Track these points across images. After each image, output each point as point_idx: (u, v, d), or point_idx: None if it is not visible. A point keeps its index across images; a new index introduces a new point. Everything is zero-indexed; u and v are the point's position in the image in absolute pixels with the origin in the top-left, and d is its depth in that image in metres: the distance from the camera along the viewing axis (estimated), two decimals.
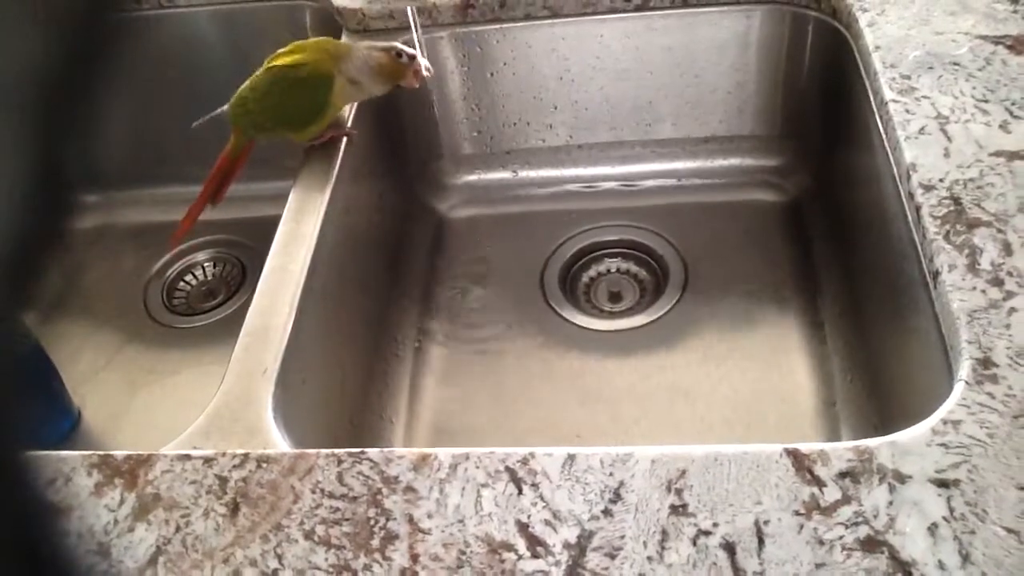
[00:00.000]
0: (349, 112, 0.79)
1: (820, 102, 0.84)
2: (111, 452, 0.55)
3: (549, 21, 0.85)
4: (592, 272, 0.91)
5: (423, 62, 0.73)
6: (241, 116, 0.75)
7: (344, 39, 0.86)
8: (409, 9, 0.79)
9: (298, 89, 0.73)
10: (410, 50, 0.74)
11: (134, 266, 1.04)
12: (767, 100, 0.88)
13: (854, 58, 0.75)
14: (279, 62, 0.74)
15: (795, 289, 0.84)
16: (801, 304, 0.83)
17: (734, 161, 0.93)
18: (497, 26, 0.86)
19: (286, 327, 0.63)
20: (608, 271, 0.91)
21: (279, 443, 0.56)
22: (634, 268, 0.90)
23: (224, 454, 0.53)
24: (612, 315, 0.87)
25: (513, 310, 0.87)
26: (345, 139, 0.77)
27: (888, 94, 0.67)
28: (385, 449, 0.52)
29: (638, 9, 0.83)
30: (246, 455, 0.53)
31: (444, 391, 0.81)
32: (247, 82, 0.75)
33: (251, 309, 0.65)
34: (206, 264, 1.04)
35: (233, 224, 1.05)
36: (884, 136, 0.67)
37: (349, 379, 0.75)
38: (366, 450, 0.52)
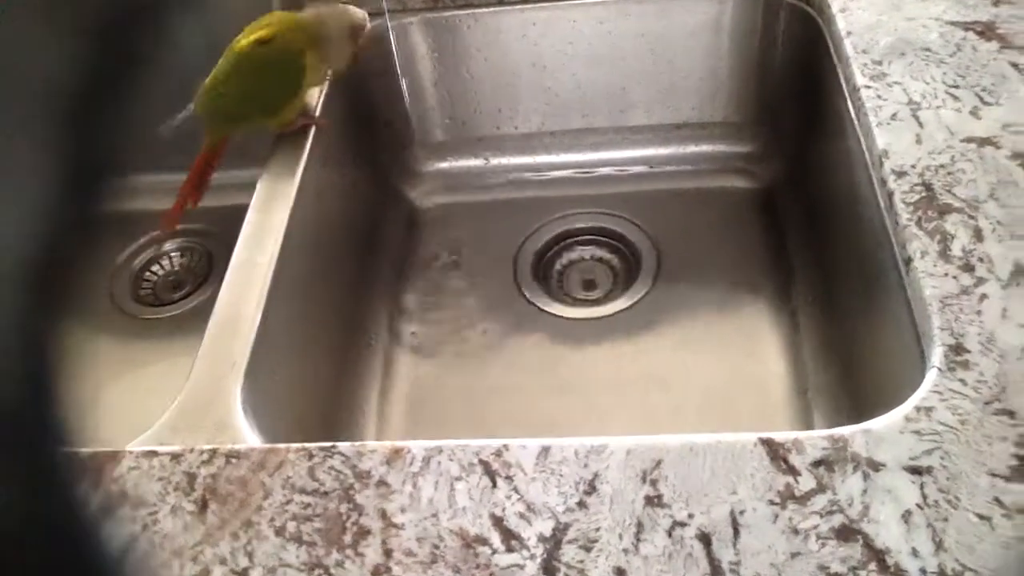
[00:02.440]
0: (318, 100, 0.78)
1: (793, 88, 0.84)
2: (75, 449, 0.53)
3: (521, 6, 0.84)
4: (564, 260, 0.90)
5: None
6: (210, 108, 0.73)
7: None
8: None
9: (268, 69, 0.72)
10: (360, 14, 0.74)
11: (100, 255, 1.02)
12: (740, 86, 0.88)
13: (826, 44, 0.75)
14: (238, 45, 0.72)
15: (768, 276, 0.84)
16: (774, 291, 0.83)
17: (707, 148, 0.92)
18: (468, 11, 0.85)
19: (254, 319, 0.62)
20: (581, 259, 0.90)
21: (248, 438, 0.55)
22: (607, 256, 0.90)
23: (192, 450, 0.52)
24: (585, 303, 0.86)
25: (486, 298, 0.86)
26: (314, 128, 0.76)
27: (860, 80, 0.67)
28: (357, 443, 0.51)
29: None
30: (214, 451, 0.52)
31: (416, 381, 0.81)
32: (211, 74, 0.73)
33: (219, 301, 0.64)
34: (173, 254, 1.02)
35: (201, 213, 1.03)
36: (856, 122, 0.67)
37: (320, 370, 0.74)
38: (337, 444, 0.51)
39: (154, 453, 0.52)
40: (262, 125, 0.75)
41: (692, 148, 0.93)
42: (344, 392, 0.77)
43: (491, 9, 0.85)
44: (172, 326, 0.96)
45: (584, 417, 0.77)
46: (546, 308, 0.85)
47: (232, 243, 1.02)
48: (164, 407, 0.87)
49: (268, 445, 0.52)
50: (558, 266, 0.90)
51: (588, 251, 0.90)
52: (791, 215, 0.87)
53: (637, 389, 0.78)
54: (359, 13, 0.73)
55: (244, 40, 0.72)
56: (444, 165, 0.95)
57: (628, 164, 0.94)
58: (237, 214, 1.09)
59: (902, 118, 0.64)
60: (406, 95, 0.81)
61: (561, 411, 0.78)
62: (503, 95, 0.91)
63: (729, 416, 0.75)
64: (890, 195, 0.59)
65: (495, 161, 0.95)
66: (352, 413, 0.76)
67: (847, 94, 0.69)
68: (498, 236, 0.91)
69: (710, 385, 0.78)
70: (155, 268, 1.01)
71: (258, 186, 0.72)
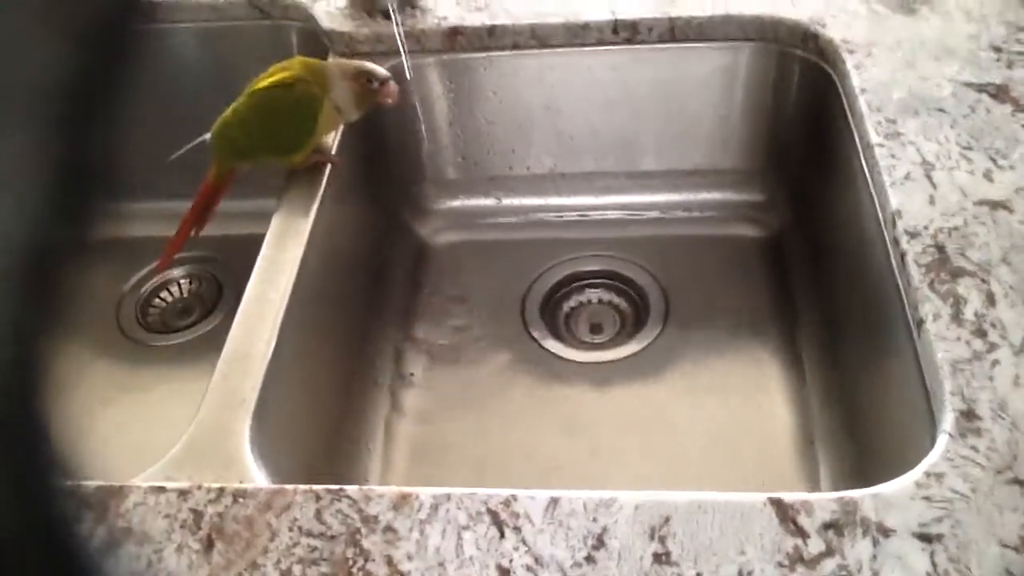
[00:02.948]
0: (334, 136, 0.79)
1: (804, 140, 0.85)
2: (80, 482, 0.53)
3: (537, 51, 0.85)
4: (572, 302, 0.90)
5: (392, 87, 0.73)
6: (223, 143, 0.74)
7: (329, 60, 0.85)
8: (397, 33, 0.79)
9: (284, 112, 0.73)
10: (381, 73, 0.73)
11: (108, 280, 1.02)
12: (751, 136, 0.88)
13: (840, 99, 0.75)
14: (260, 85, 0.73)
15: (774, 325, 0.84)
16: (780, 340, 0.83)
17: (716, 195, 0.93)
18: (484, 54, 0.86)
19: (265, 356, 0.62)
20: (589, 301, 0.91)
21: (256, 477, 0.55)
22: (615, 299, 0.90)
23: (200, 487, 0.52)
24: (593, 346, 0.86)
25: (493, 338, 0.86)
26: (330, 165, 0.77)
27: (874, 137, 0.68)
28: (364, 487, 0.51)
29: (627, 42, 0.84)
30: (222, 489, 0.52)
31: (422, 420, 0.81)
32: (229, 108, 0.74)
33: (230, 336, 0.64)
34: (182, 281, 1.03)
35: (210, 241, 1.04)
36: (869, 179, 0.68)
37: (326, 407, 0.74)
38: (345, 487, 0.51)
39: (161, 489, 0.52)
40: (273, 163, 0.76)
41: (702, 195, 0.93)
42: (349, 429, 0.77)
43: (508, 53, 0.85)
44: (179, 353, 0.96)
45: (588, 461, 0.77)
46: (553, 350, 0.85)
47: (240, 272, 1.02)
48: (170, 436, 0.87)
49: (276, 486, 0.52)
50: (566, 308, 0.90)
51: (596, 294, 0.91)
52: (797, 265, 0.88)
53: (642, 434, 0.78)
54: (380, 71, 0.73)
55: (265, 81, 0.72)
56: (455, 203, 0.96)
57: (638, 209, 0.94)
58: (245, 243, 1.10)
59: (915, 178, 0.64)
60: (424, 136, 0.81)
61: (565, 454, 0.77)
62: (516, 137, 0.92)
63: (734, 464, 0.75)
64: (903, 255, 0.60)
65: (506, 201, 0.96)
66: (357, 450, 0.76)
67: (860, 150, 0.70)
68: (507, 276, 0.91)
69: (716, 432, 0.78)
70: (163, 295, 1.02)
71: (273, 221, 0.73)
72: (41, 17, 0.25)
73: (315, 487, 0.51)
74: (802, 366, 0.80)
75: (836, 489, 0.71)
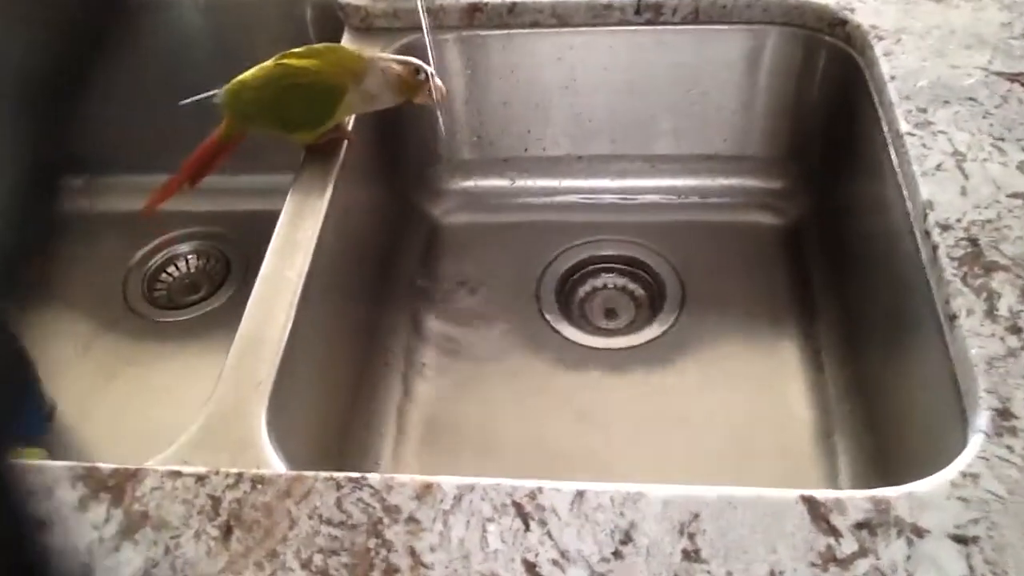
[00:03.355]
0: (349, 118, 0.77)
1: (828, 127, 0.83)
2: (96, 464, 0.52)
3: (557, 30, 0.83)
4: (587, 287, 0.89)
5: (438, 82, 0.71)
6: (235, 103, 0.72)
7: (346, 40, 0.83)
8: (420, 8, 0.77)
9: (299, 94, 0.71)
10: (428, 68, 0.71)
11: (114, 255, 1.01)
12: (773, 122, 0.87)
13: (867, 86, 0.74)
14: (290, 60, 0.71)
15: (793, 314, 0.83)
16: (798, 330, 0.82)
17: (735, 181, 0.91)
18: (504, 32, 0.84)
19: (282, 337, 0.61)
20: (604, 286, 0.89)
21: (273, 461, 0.54)
22: (630, 285, 0.89)
23: (217, 472, 0.51)
24: (608, 332, 0.85)
25: (507, 322, 0.85)
26: (346, 142, 0.75)
27: (904, 126, 0.66)
28: (387, 475, 0.50)
29: (649, 23, 0.82)
30: (240, 475, 0.51)
31: (433, 404, 0.79)
32: (251, 70, 0.72)
33: (246, 315, 0.63)
34: (189, 256, 1.01)
35: (218, 216, 1.03)
36: (898, 169, 0.66)
37: (340, 390, 0.73)
38: (367, 475, 0.50)
39: (178, 474, 0.51)
40: (280, 134, 0.74)
41: (720, 181, 0.92)
42: (362, 414, 0.75)
43: (527, 31, 0.84)
44: (186, 329, 0.95)
45: (603, 451, 0.76)
46: (568, 335, 0.84)
47: (248, 249, 1.02)
48: (179, 415, 0.85)
49: (295, 472, 0.51)
50: (580, 293, 0.89)
51: (611, 279, 0.90)
52: (816, 254, 0.87)
53: (657, 425, 0.77)
54: (427, 67, 0.71)
55: (295, 61, 0.70)
56: (469, 184, 0.94)
57: (655, 193, 0.93)
58: (253, 219, 1.08)
59: (947, 168, 0.63)
60: (440, 115, 0.80)
61: (578, 443, 0.76)
62: (533, 117, 0.90)
63: (751, 457, 0.74)
64: (934, 248, 0.59)
65: (520, 183, 0.94)
66: (369, 435, 0.75)
67: (889, 140, 0.69)
68: (520, 259, 0.90)
69: (733, 423, 0.77)
70: (170, 269, 1.00)
71: (289, 198, 0.71)
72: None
73: (335, 474, 0.50)
74: (820, 357, 0.79)
75: (856, 484, 0.70)
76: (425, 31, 0.76)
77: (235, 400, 0.58)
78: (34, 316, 0.96)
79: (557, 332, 0.84)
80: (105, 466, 0.52)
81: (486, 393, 0.80)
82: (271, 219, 0.90)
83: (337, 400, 0.72)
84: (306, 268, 0.65)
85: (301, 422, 0.63)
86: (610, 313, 0.87)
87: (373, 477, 0.50)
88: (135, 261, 1.01)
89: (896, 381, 0.67)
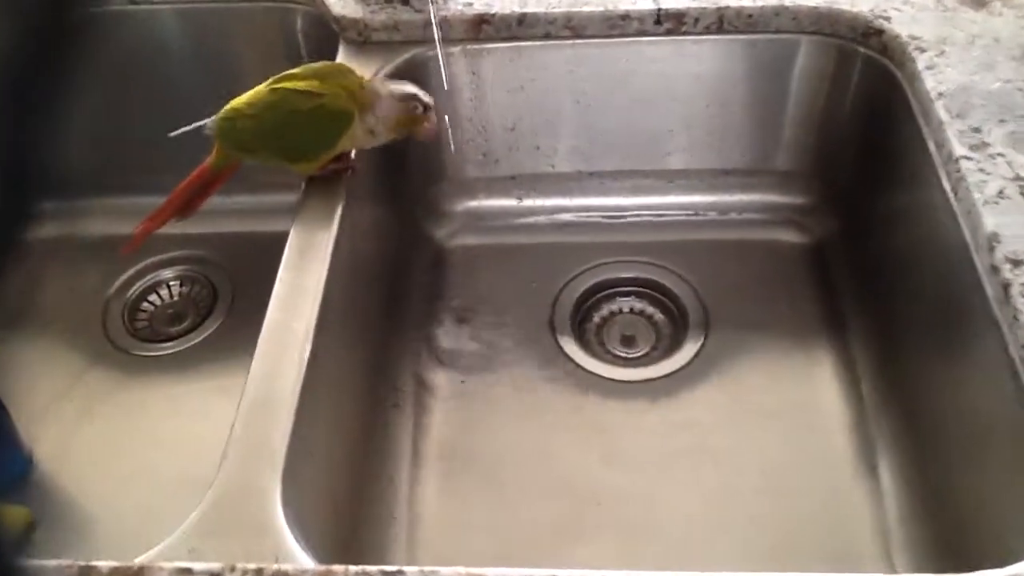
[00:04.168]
0: None
1: (859, 144, 0.78)
2: (93, 563, 0.46)
3: (570, 41, 0.78)
4: (603, 312, 0.84)
5: (434, 118, 0.66)
6: (229, 133, 0.66)
7: (342, 55, 0.77)
8: (433, 19, 0.71)
9: (303, 121, 0.64)
10: (426, 99, 0.66)
11: (94, 283, 0.94)
12: (800, 136, 0.82)
13: (907, 102, 0.69)
14: (289, 85, 0.65)
15: (825, 340, 0.78)
16: (833, 358, 0.77)
17: (756, 197, 0.87)
18: (512, 44, 0.78)
19: (293, 399, 0.55)
20: (620, 311, 0.84)
21: (294, 549, 0.48)
22: (648, 309, 0.84)
23: (233, 569, 0.45)
24: (628, 361, 0.80)
25: (520, 354, 0.80)
26: (349, 172, 0.69)
27: (958, 149, 0.62)
28: (427, 568, 0.44)
29: (669, 33, 0.76)
30: (260, 572, 0.45)
31: (447, 446, 0.74)
32: (243, 96, 0.66)
33: (251, 375, 0.57)
34: (172, 283, 0.95)
35: (201, 239, 0.96)
36: (952, 195, 0.62)
37: (352, 444, 0.67)
38: (404, 569, 0.45)
39: (188, 572, 0.45)
40: (280, 166, 0.68)
41: (740, 196, 0.87)
42: (375, 464, 0.70)
43: (538, 43, 0.78)
44: (172, 364, 0.88)
45: (632, 493, 0.71)
46: (588, 367, 0.79)
47: (235, 273, 0.95)
48: (167, 461, 0.80)
49: (324, 567, 0.45)
50: (596, 319, 0.83)
51: (628, 303, 0.84)
52: (846, 275, 0.82)
53: (687, 463, 0.72)
54: (425, 96, 0.66)
55: (293, 82, 0.64)
56: (473, 204, 0.89)
57: (672, 210, 0.88)
58: (239, 241, 1.02)
59: (1010, 196, 0.58)
60: (448, 130, 0.74)
61: (607, 485, 0.71)
62: (542, 132, 0.85)
63: (790, 502, 0.69)
64: (1005, 287, 0.54)
65: (528, 202, 0.89)
66: (380, 482, 0.70)
67: (939, 162, 0.64)
68: (530, 285, 0.85)
69: (767, 461, 0.72)
70: (152, 298, 0.94)
71: (290, 241, 0.65)
72: None
73: (368, 568, 0.45)
74: (859, 387, 0.75)
75: (905, 525, 0.66)
76: (438, 47, 0.70)
77: (245, 475, 0.52)
78: (6, 354, 0.89)
79: (575, 363, 0.79)
80: (104, 564, 0.46)
81: (503, 437, 0.75)
82: (258, 241, 0.84)
83: (349, 457, 0.66)
84: (314, 319, 0.59)
85: (315, 490, 0.57)
86: (628, 340, 0.82)
87: (411, 570, 0.44)
88: (114, 289, 0.94)
89: (958, 421, 0.63)
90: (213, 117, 0.66)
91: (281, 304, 0.60)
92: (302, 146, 0.65)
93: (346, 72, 0.65)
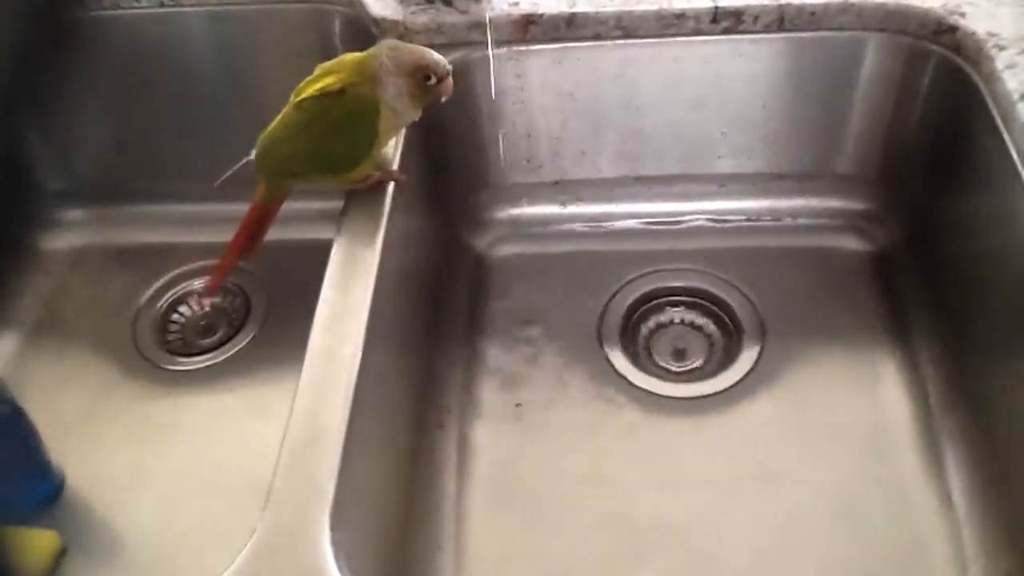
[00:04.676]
0: (395, 148, 0.68)
1: (930, 148, 0.74)
2: None
3: (621, 42, 0.74)
4: (651, 323, 0.80)
5: (450, 83, 0.62)
6: (270, 161, 0.63)
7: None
8: (487, 20, 0.67)
9: (338, 125, 0.61)
10: (441, 67, 0.61)
11: (122, 294, 0.91)
12: (863, 139, 0.78)
13: (985, 105, 0.65)
14: (309, 91, 0.61)
15: (890, 352, 0.75)
16: (899, 371, 0.73)
17: (814, 202, 0.83)
18: (559, 45, 0.74)
19: (340, 430, 0.52)
20: (671, 322, 0.80)
21: None
22: (700, 320, 0.80)
23: None
24: (680, 376, 0.76)
25: (568, 370, 0.76)
26: (393, 184, 0.66)
27: None
28: None
29: (726, 32, 0.72)
30: None
31: (493, 468, 0.71)
32: (274, 121, 0.63)
33: (296, 404, 0.54)
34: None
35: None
36: None
37: (397, 466, 0.64)
38: None
39: None
40: (330, 183, 0.65)
41: (797, 201, 0.83)
42: (420, 489, 0.67)
43: (587, 44, 0.74)
44: (205, 379, 0.85)
45: (691, 520, 0.67)
46: (640, 384, 0.75)
47: (269, 282, 0.92)
48: (200, 476, 0.76)
49: None
50: (644, 331, 0.80)
51: (679, 314, 0.81)
52: (911, 284, 0.78)
53: (748, 487, 0.69)
54: (440, 65, 0.61)
55: (311, 87, 0.61)
56: (516, 211, 0.85)
57: (724, 216, 0.84)
58: (272, 249, 0.98)
59: None
60: (501, 137, 0.70)
61: (663, 511, 0.68)
62: (589, 137, 0.81)
63: (861, 530, 0.65)
64: None
65: (573, 208, 0.85)
66: (428, 514, 0.66)
67: (1022, 169, 0.60)
68: (576, 295, 0.81)
69: (835, 484, 0.68)
70: (183, 309, 0.91)
71: (332, 258, 0.61)
72: None
73: None
74: (928, 404, 0.71)
75: (984, 562, 0.62)
76: (490, 50, 0.67)
77: (292, 513, 0.49)
78: (34, 369, 0.86)
79: (626, 380, 0.76)
80: None
81: (551, 459, 0.71)
82: (293, 248, 0.80)
83: (395, 485, 0.63)
84: (361, 342, 0.56)
85: (364, 526, 0.54)
86: (679, 353, 0.79)
87: None
88: (144, 300, 0.91)
89: None
90: (252, 151, 0.63)
91: (325, 326, 0.57)
92: (344, 152, 0.62)
93: (356, 59, 0.61)
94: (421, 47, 0.62)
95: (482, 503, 0.68)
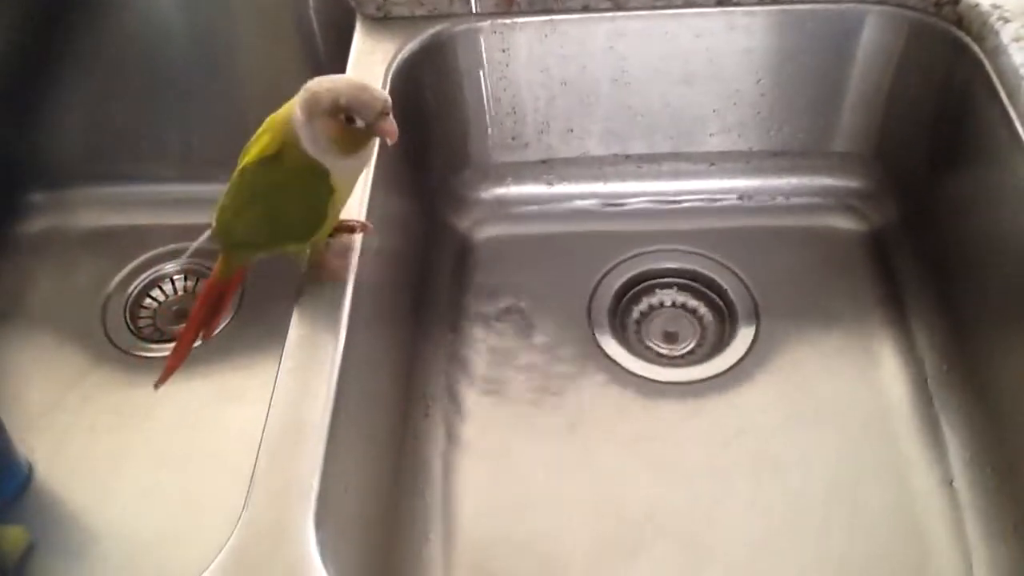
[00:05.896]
0: (363, 190, 0.60)
1: (929, 126, 0.72)
2: None
3: (611, 14, 0.71)
4: (642, 306, 0.78)
5: (391, 126, 0.50)
6: (230, 238, 0.55)
7: (359, 33, 0.70)
8: None
9: (288, 187, 0.52)
10: (367, 106, 0.48)
11: (91, 279, 0.88)
12: (860, 116, 0.75)
13: (989, 81, 0.63)
14: (251, 155, 0.52)
15: (887, 334, 0.73)
16: (897, 353, 0.71)
17: (808, 180, 0.80)
18: (547, 17, 0.72)
19: (323, 422, 0.49)
20: (661, 304, 0.78)
21: None
22: (692, 302, 0.78)
23: None
24: (672, 360, 0.74)
25: (557, 354, 0.74)
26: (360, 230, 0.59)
27: None
28: None
29: (720, 4, 0.70)
30: None
31: (482, 460, 0.68)
32: (225, 193, 0.54)
33: (275, 396, 0.51)
34: (175, 277, 0.88)
35: (205, 229, 0.90)
36: None
37: (382, 457, 0.62)
38: None
39: None
40: (297, 250, 0.57)
41: (790, 179, 0.81)
42: (406, 479, 0.64)
43: (575, 16, 0.71)
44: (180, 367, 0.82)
45: (687, 509, 0.65)
46: (629, 368, 0.73)
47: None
48: (172, 467, 0.73)
49: None
50: (635, 314, 0.77)
51: (670, 296, 0.78)
52: (908, 264, 0.76)
53: (746, 474, 0.67)
54: (363, 97, 0.49)
55: (254, 150, 0.52)
56: (500, 191, 0.82)
57: (717, 195, 0.81)
58: None
59: None
60: (488, 110, 0.67)
61: (658, 500, 0.66)
62: (576, 113, 0.78)
63: (862, 517, 0.64)
64: None
65: (560, 187, 0.82)
66: (414, 504, 0.64)
67: None
68: (564, 278, 0.78)
69: (833, 470, 0.66)
70: (155, 294, 0.87)
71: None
72: None
73: None
74: (927, 388, 0.69)
75: (987, 542, 0.60)
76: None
77: (274, 512, 0.46)
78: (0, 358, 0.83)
79: (617, 363, 0.73)
80: None
81: (541, 445, 0.69)
82: None
83: (381, 476, 0.61)
84: (344, 327, 0.53)
85: (348, 520, 0.51)
86: (671, 336, 0.76)
87: None
88: (114, 286, 0.88)
89: None
90: (210, 228, 0.55)
91: (305, 314, 0.54)
92: (304, 215, 0.53)
93: (281, 111, 0.52)
94: (348, 78, 0.54)
95: (469, 491, 0.66)
